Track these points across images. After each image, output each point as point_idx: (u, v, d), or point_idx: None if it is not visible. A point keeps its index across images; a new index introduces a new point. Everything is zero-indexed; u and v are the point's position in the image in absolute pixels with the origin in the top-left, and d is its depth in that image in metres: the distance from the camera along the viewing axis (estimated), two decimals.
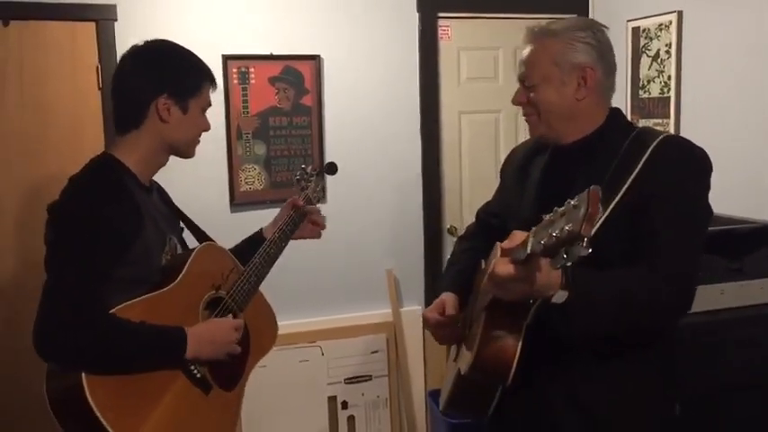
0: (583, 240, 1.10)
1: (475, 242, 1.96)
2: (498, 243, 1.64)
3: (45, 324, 1.47)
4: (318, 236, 2.11)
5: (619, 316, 1.46)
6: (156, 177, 1.79)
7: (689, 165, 1.55)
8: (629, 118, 3.40)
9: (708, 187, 1.56)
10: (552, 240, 1.16)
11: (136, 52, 1.72)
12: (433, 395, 3.41)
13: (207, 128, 1.78)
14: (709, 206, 1.57)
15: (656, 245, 1.49)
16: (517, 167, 1.83)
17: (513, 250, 1.36)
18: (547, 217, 1.23)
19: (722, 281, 2.43)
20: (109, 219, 1.55)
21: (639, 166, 1.51)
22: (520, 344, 1.47)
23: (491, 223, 1.93)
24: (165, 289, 1.62)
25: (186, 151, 1.77)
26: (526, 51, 1.66)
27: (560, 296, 1.38)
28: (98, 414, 1.43)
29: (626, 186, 1.50)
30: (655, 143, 1.54)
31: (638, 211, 1.50)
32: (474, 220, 2.06)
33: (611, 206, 1.49)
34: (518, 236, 1.37)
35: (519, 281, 1.34)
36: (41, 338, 1.47)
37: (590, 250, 1.11)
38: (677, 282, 1.49)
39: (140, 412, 1.52)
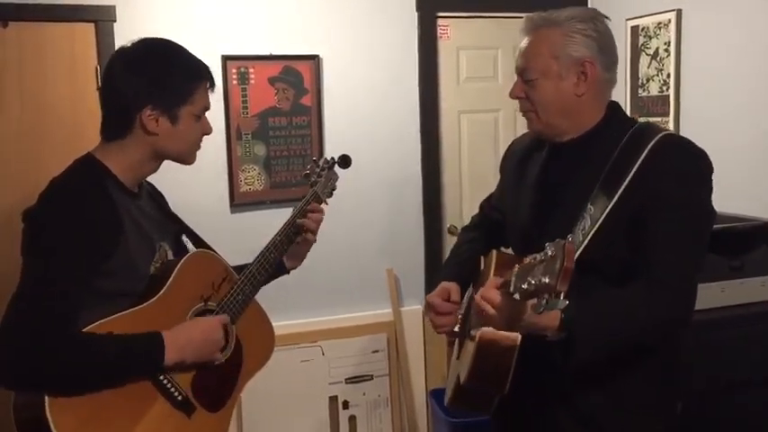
0: (559, 294, 1.12)
1: (479, 232, 1.95)
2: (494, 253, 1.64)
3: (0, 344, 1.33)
4: (310, 241, 1.88)
5: (620, 342, 1.44)
6: (154, 177, 1.71)
7: (687, 168, 1.49)
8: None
9: (710, 189, 1.50)
10: (531, 288, 1.18)
11: (123, 54, 1.57)
12: (434, 394, 3.41)
13: (206, 132, 1.64)
14: (712, 209, 1.51)
15: (656, 256, 1.44)
16: (516, 163, 1.80)
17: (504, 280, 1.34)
18: (528, 259, 1.23)
19: (723, 279, 2.43)
20: (84, 228, 1.43)
21: (635, 168, 1.46)
22: (515, 357, 1.46)
23: (493, 216, 1.93)
24: (145, 304, 1.49)
25: (185, 159, 1.64)
26: (525, 42, 1.61)
27: (557, 336, 1.37)
28: None
29: (621, 190, 1.46)
30: (652, 143, 1.47)
31: (636, 216, 1.45)
32: (478, 211, 2.05)
33: (605, 212, 1.45)
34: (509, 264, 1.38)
35: (502, 312, 1.33)
36: None
37: (567, 302, 1.13)
38: (678, 295, 1.46)
39: None
